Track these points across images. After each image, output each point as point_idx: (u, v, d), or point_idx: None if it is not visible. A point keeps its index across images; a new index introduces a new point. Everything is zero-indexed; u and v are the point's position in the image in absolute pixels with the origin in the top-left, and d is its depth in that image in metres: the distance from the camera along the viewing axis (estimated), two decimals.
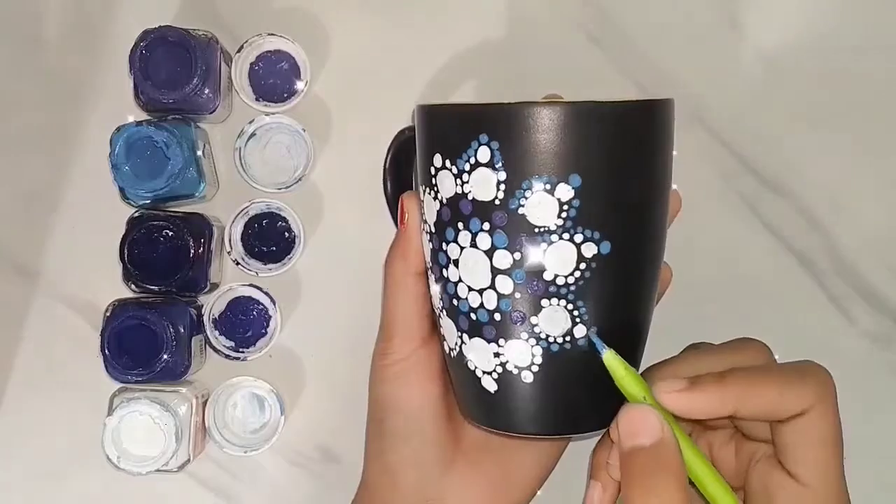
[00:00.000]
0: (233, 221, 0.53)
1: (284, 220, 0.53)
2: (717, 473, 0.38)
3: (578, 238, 0.38)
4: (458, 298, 0.40)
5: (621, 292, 0.39)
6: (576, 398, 0.40)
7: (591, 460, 0.43)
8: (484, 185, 0.38)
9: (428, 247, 0.41)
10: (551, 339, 0.39)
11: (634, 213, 0.39)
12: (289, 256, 0.53)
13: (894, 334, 0.54)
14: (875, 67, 0.55)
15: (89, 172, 0.54)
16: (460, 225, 0.39)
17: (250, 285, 0.53)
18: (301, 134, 0.52)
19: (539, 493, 0.48)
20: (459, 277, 0.40)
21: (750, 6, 0.54)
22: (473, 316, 0.40)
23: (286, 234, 0.53)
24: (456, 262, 0.40)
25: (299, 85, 0.53)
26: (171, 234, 0.50)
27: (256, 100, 0.53)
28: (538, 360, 0.39)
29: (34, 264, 0.55)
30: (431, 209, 0.40)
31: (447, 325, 0.41)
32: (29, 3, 0.55)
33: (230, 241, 0.53)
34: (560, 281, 0.38)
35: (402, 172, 0.47)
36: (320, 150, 0.54)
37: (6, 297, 0.54)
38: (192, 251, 0.50)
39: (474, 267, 0.39)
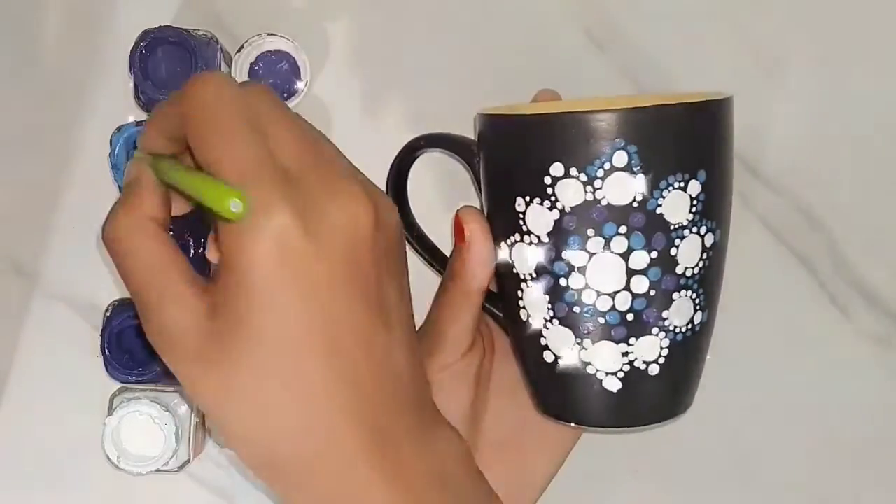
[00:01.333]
0: None
1: None
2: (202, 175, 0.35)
3: (703, 230, 0.40)
4: (583, 305, 0.40)
5: (722, 273, 0.43)
6: (693, 379, 0.43)
7: None
8: (621, 188, 0.38)
9: (532, 258, 0.41)
10: (678, 330, 0.40)
11: (730, 198, 0.42)
12: None
13: (894, 334, 0.54)
14: (876, 66, 0.55)
15: (89, 172, 0.54)
16: (591, 232, 0.39)
17: None
18: None
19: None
20: (586, 284, 0.40)
21: (750, 5, 0.54)
22: (601, 320, 0.40)
23: None
24: (582, 269, 0.40)
25: (299, 85, 0.53)
26: (171, 233, 0.50)
27: None
28: (665, 351, 0.40)
29: (34, 264, 0.54)
30: (544, 220, 0.40)
31: (558, 335, 0.41)
32: (29, 3, 0.55)
33: None
34: (688, 273, 0.40)
35: (404, 183, 0.47)
36: None
37: (6, 297, 0.54)
38: (192, 251, 0.50)
39: (608, 271, 0.39)
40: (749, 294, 0.55)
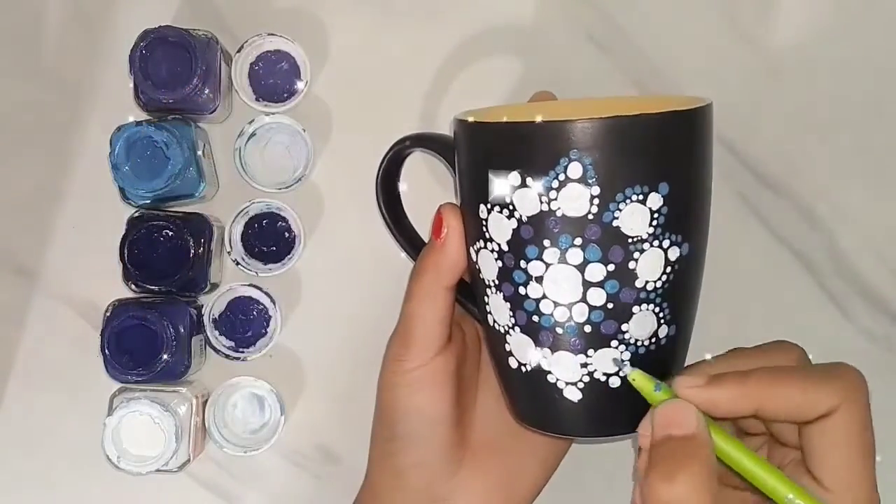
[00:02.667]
0: (233, 221, 0.53)
1: (284, 220, 0.53)
2: (770, 465, 0.37)
3: (666, 243, 0.39)
4: (541, 314, 0.40)
5: (694, 286, 0.41)
6: None
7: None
8: (576, 200, 0.38)
9: (494, 265, 0.41)
10: (639, 343, 0.39)
11: (702, 210, 0.41)
12: (289, 256, 0.53)
13: (894, 334, 0.54)
14: (876, 66, 0.55)
15: (89, 172, 0.54)
16: (546, 242, 0.39)
17: (250, 285, 0.53)
18: (301, 134, 0.53)
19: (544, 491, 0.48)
20: (544, 294, 0.39)
21: (750, 6, 0.54)
22: (560, 330, 0.39)
23: (286, 234, 0.53)
24: (539, 279, 0.39)
25: (299, 85, 0.53)
26: (171, 234, 0.50)
27: (256, 100, 0.53)
28: (626, 364, 0.40)
29: (34, 264, 0.55)
30: (503, 228, 0.40)
31: (519, 342, 0.41)
32: (29, 3, 0.55)
33: (230, 241, 0.53)
34: (650, 287, 0.39)
35: (395, 184, 0.47)
36: (320, 150, 0.54)
37: (6, 297, 0.54)
38: (192, 251, 0.50)
39: (564, 282, 0.39)
40: (748, 294, 0.55)
